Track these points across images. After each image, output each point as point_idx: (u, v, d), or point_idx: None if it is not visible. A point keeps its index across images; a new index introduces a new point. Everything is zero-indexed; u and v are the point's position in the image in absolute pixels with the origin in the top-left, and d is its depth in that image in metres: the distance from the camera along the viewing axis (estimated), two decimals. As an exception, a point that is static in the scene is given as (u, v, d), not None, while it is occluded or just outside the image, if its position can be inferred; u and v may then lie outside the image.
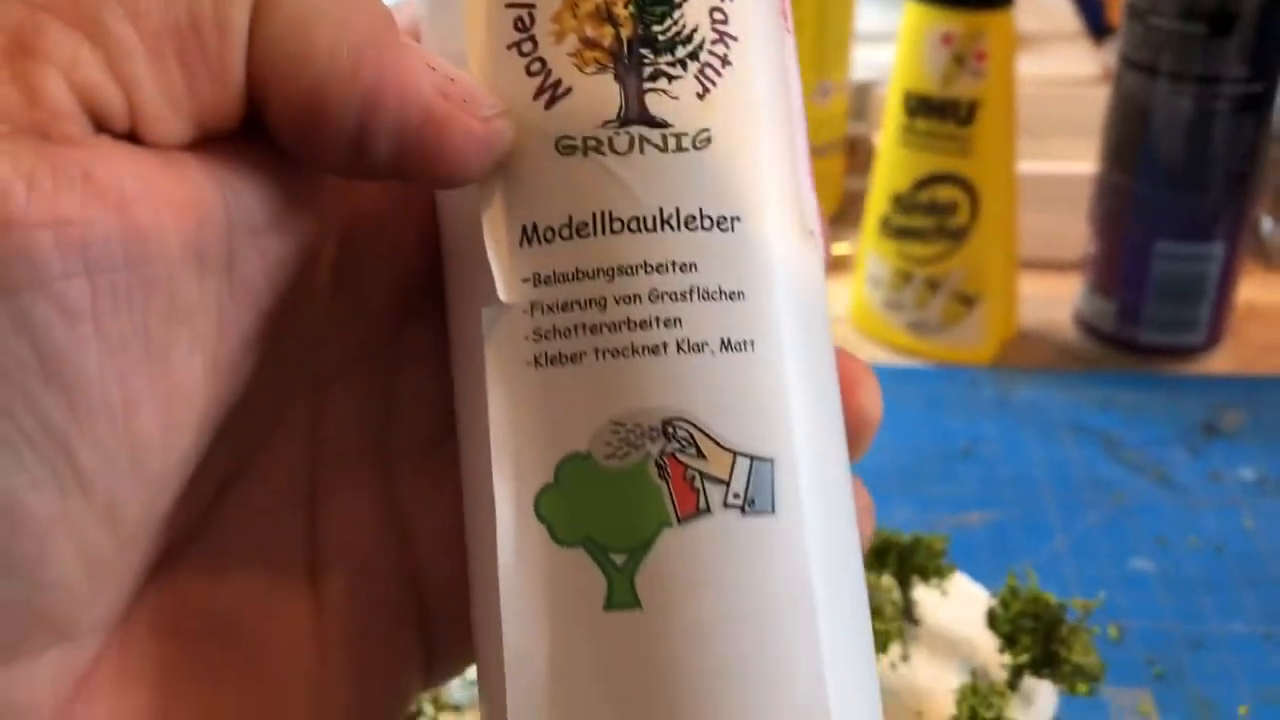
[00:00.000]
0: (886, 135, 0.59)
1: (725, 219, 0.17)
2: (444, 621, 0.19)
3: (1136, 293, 0.59)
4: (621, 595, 0.17)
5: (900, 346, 0.62)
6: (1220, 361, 0.61)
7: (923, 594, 0.42)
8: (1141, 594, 0.48)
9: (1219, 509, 0.52)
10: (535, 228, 0.17)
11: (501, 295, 0.17)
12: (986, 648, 0.40)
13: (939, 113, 0.57)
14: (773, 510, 0.17)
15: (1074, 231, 0.63)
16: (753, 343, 0.17)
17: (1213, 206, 0.57)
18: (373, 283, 0.18)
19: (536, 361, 0.17)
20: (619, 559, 0.17)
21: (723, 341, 0.17)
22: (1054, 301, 0.65)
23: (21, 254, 0.14)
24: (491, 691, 0.17)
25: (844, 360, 0.19)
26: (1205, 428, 0.57)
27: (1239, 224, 0.58)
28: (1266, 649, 0.45)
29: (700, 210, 0.17)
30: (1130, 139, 0.57)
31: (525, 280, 0.17)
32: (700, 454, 0.17)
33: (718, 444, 0.17)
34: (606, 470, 0.17)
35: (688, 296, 0.17)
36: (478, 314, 0.17)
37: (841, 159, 0.73)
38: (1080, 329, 0.63)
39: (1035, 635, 0.38)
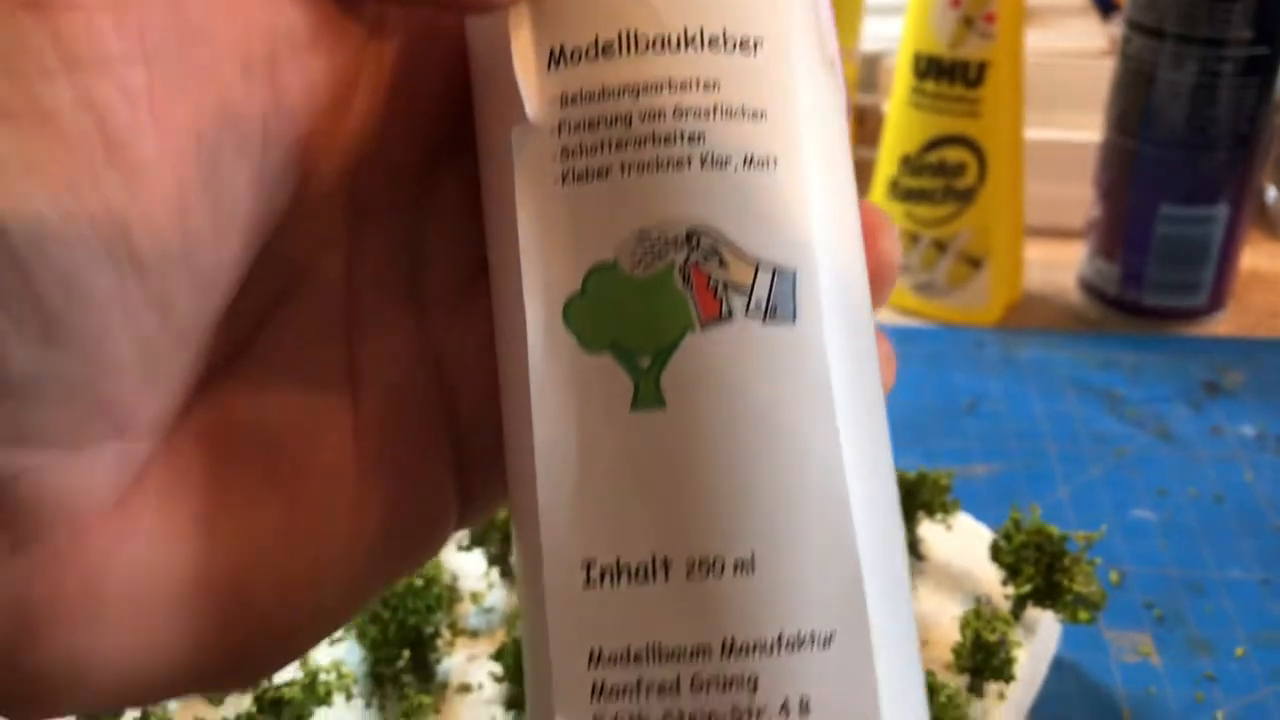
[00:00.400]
0: (896, 97, 0.60)
1: (748, 40, 0.18)
2: (477, 454, 0.20)
3: (1140, 256, 0.60)
4: (646, 396, 0.17)
5: (907, 308, 0.63)
6: (1223, 326, 0.62)
7: (928, 530, 0.43)
8: (1142, 541, 0.49)
9: (1219, 462, 0.53)
10: (562, 49, 0.18)
11: (530, 116, 0.18)
12: (990, 581, 0.41)
13: (948, 74, 0.58)
14: (793, 320, 0.17)
15: (1079, 200, 0.64)
16: (775, 160, 0.18)
17: (1217, 169, 0.58)
18: (402, 125, 0.19)
19: (564, 178, 0.18)
20: (644, 362, 0.17)
21: (745, 158, 0.17)
22: (1059, 266, 0.66)
23: (84, 33, 0.14)
24: (523, 498, 0.18)
25: (863, 207, 0.19)
26: (1207, 386, 0.58)
27: (1243, 187, 0.58)
28: (1264, 595, 0.46)
29: (724, 31, 0.18)
30: (1135, 102, 0.58)
31: (553, 101, 0.18)
32: (723, 263, 0.17)
33: (740, 255, 0.17)
34: (632, 279, 0.17)
35: (711, 114, 0.17)
36: (507, 136, 0.18)
37: (851, 128, 0.73)
38: (1084, 292, 0.64)
39: (1038, 566, 0.38)
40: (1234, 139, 0.57)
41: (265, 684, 0.35)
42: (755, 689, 0.17)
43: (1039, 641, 0.40)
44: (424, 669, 0.38)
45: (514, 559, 0.19)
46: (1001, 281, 0.62)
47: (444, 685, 0.38)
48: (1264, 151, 0.59)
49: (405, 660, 0.38)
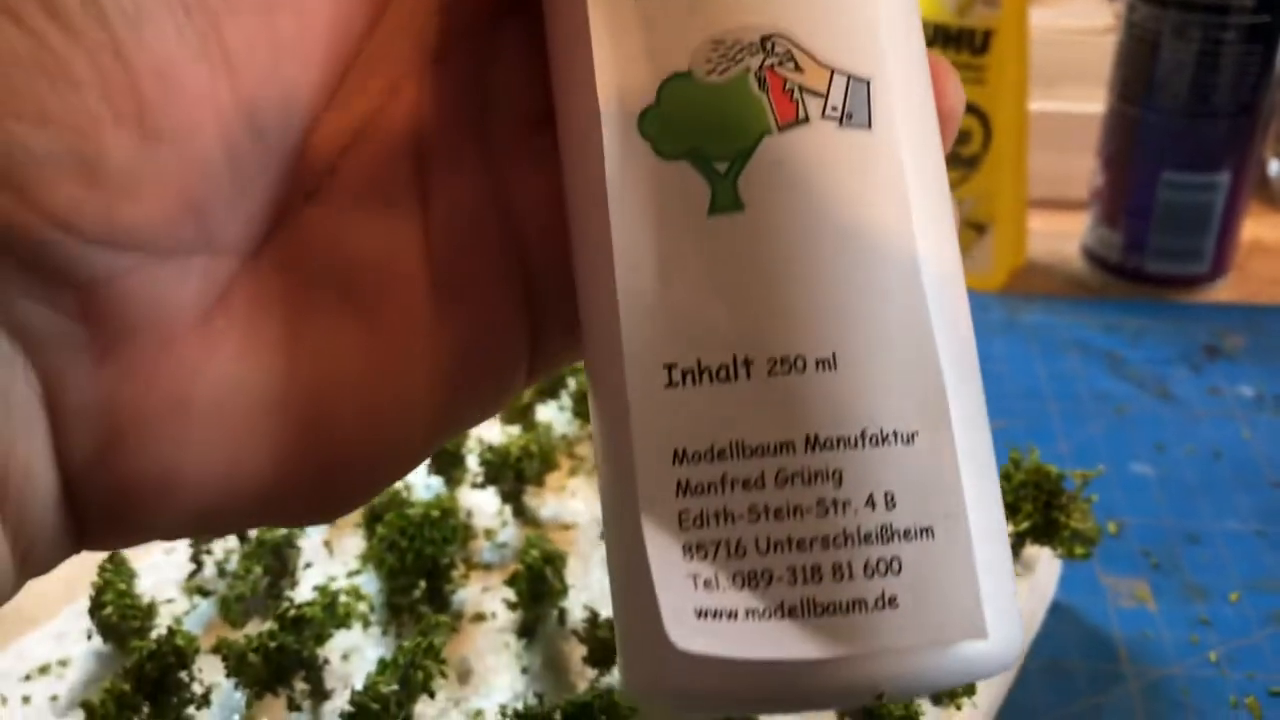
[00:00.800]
0: (903, 66, 0.61)
1: None
2: (546, 296, 0.21)
3: (1142, 222, 0.61)
4: (724, 199, 0.17)
5: (913, 274, 0.64)
6: (1224, 293, 0.63)
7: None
8: (1140, 494, 0.50)
9: (1218, 420, 0.54)
10: None
11: None
12: (989, 521, 0.42)
13: (954, 41, 0.59)
14: (869, 126, 0.18)
15: (1084, 172, 0.65)
16: None
17: (1219, 137, 0.59)
18: None
19: None
20: (721, 167, 0.18)
21: None
22: (1063, 237, 0.67)
23: None
24: (599, 310, 0.18)
25: (929, 55, 0.20)
26: (1207, 349, 0.59)
27: (1245, 154, 0.59)
28: (1260, 545, 0.47)
29: None
30: (1139, 70, 0.59)
31: None
32: (798, 68, 0.18)
33: (815, 60, 0.18)
34: (707, 85, 0.18)
35: None
36: None
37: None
38: (1087, 260, 0.65)
39: (1036, 504, 0.40)
40: (1236, 106, 0.58)
41: (286, 603, 0.36)
42: (840, 483, 0.17)
43: (1037, 582, 0.41)
44: (439, 599, 0.39)
45: (586, 379, 0.20)
46: (1005, 248, 0.63)
47: (459, 614, 0.40)
48: (1266, 119, 0.59)
49: (421, 590, 0.39)
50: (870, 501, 0.17)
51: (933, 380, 0.17)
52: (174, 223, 0.17)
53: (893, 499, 0.17)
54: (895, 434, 0.17)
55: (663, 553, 0.17)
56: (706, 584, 0.17)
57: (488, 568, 0.42)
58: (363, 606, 0.39)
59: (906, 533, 0.17)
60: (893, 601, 0.17)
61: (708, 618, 0.17)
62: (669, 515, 0.17)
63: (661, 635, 0.17)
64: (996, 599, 0.18)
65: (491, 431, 0.47)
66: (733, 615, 0.17)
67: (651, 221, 0.18)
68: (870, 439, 0.17)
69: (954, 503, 0.17)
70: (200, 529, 0.19)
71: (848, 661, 0.17)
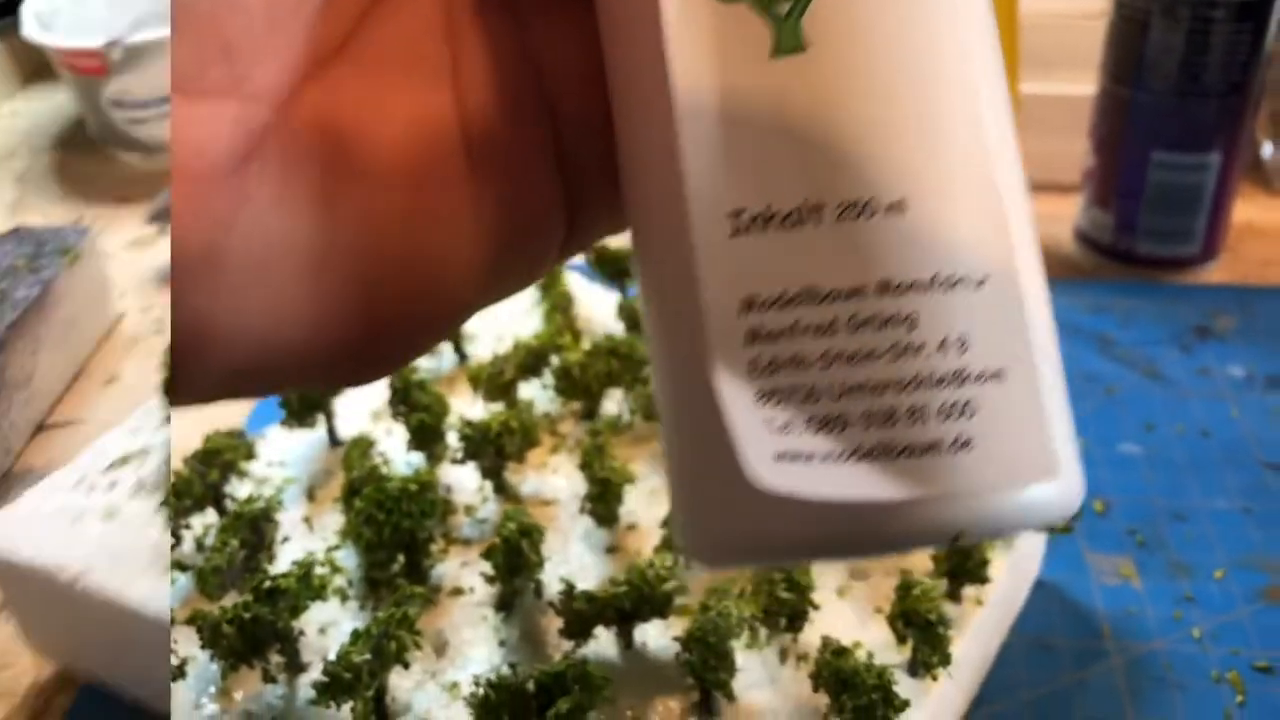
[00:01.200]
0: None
1: None
2: (581, 163, 0.20)
3: (1133, 203, 0.61)
4: (788, 40, 0.17)
5: (903, 256, 0.63)
6: (1215, 275, 0.63)
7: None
8: (1128, 473, 0.49)
9: (1207, 400, 0.54)
10: None
11: None
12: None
13: (943, 21, 0.58)
14: None
15: (1077, 155, 0.65)
16: None
17: (1209, 116, 0.58)
18: None
19: None
20: (783, 8, 0.17)
21: None
22: (1055, 220, 0.66)
23: None
24: (655, 163, 0.18)
25: None
26: (1197, 330, 0.58)
27: (1235, 135, 0.59)
28: (1246, 523, 0.47)
29: None
30: (1130, 50, 0.59)
31: None
32: None
33: None
34: None
35: None
36: None
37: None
38: (1079, 242, 0.64)
39: (1017, 478, 0.39)
40: (1226, 86, 0.57)
41: (261, 574, 0.36)
42: (914, 326, 0.17)
43: (1019, 558, 0.41)
44: (417, 573, 0.39)
45: (633, 239, 0.20)
46: (996, 230, 0.62)
47: (437, 589, 0.39)
48: (1256, 99, 0.59)
49: (400, 565, 0.39)
50: (943, 345, 0.17)
51: (1000, 224, 0.17)
52: (206, 60, 0.17)
53: (965, 342, 0.17)
54: (966, 278, 0.17)
55: (736, 400, 0.17)
56: (782, 428, 0.17)
57: (467, 543, 0.42)
58: (340, 580, 0.39)
59: (979, 376, 0.17)
60: (968, 444, 0.17)
61: (786, 460, 0.17)
62: (740, 364, 0.17)
63: (741, 481, 0.17)
64: (1063, 443, 0.18)
65: (473, 408, 0.46)
66: (810, 458, 0.17)
67: (712, 66, 0.18)
68: (942, 283, 0.17)
69: (1023, 346, 0.17)
70: (236, 388, 0.19)
71: (926, 503, 0.17)
